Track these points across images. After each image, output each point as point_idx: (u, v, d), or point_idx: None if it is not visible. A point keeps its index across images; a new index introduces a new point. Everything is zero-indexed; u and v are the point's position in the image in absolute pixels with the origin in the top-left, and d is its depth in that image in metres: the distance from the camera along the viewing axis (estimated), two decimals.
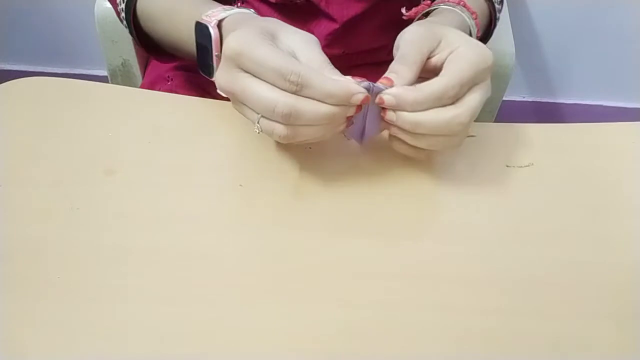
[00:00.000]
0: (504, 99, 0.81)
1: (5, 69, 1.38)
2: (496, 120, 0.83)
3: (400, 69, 0.42)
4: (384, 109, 0.43)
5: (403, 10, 0.54)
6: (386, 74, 0.42)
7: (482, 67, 0.42)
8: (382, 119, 0.43)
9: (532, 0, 1.23)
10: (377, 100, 0.42)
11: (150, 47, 0.61)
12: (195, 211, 0.44)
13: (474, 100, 0.42)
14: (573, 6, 1.23)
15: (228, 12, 0.49)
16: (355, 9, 0.63)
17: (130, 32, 0.59)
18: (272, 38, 0.42)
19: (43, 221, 0.43)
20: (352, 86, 0.40)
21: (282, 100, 0.39)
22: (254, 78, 0.40)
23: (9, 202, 0.44)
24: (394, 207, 0.46)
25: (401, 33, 0.46)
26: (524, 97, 1.42)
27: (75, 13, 1.28)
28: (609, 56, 1.31)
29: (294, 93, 0.39)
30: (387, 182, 0.47)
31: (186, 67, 0.71)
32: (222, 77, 0.43)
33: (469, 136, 0.51)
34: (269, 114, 0.40)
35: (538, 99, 1.42)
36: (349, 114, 0.41)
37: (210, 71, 0.49)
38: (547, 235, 0.45)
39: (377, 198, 0.46)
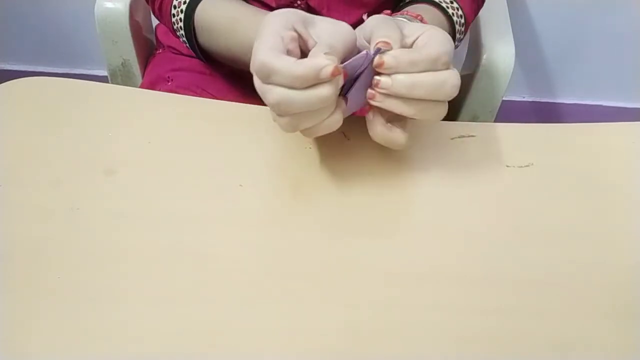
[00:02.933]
0: (504, 99, 0.80)
1: (5, 69, 1.38)
2: (496, 120, 0.83)
3: (391, 34, 0.42)
4: (377, 76, 0.42)
5: (364, 17, 0.55)
6: (376, 40, 0.42)
7: (451, 50, 0.43)
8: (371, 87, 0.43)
9: (532, 0, 1.23)
10: (375, 62, 0.41)
11: (207, 57, 0.62)
12: (195, 211, 0.44)
13: (456, 70, 0.43)
14: (573, 6, 1.23)
15: None
16: (356, 15, 0.63)
17: (191, 47, 0.61)
18: (304, 25, 0.43)
19: (43, 221, 0.43)
20: (317, 62, 0.39)
21: (270, 91, 0.41)
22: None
23: (9, 202, 0.44)
24: (394, 207, 0.46)
25: (364, 24, 0.46)
26: (524, 97, 1.42)
27: (75, 13, 1.28)
28: (609, 56, 1.31)
29: (265, 81, 0.40)
30: (387, 182, 0.47)
31: (186, 67, 0.71)
32: None
33: (469, 136, 0.52)
34: (269, 106, 0.42)
35: (538, 99, 1.42)
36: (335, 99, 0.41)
37: None
38: (547, 235, 0.45)
39: (377, 198, 0.46)
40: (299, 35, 0.43)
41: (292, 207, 0.45)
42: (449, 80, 0.42)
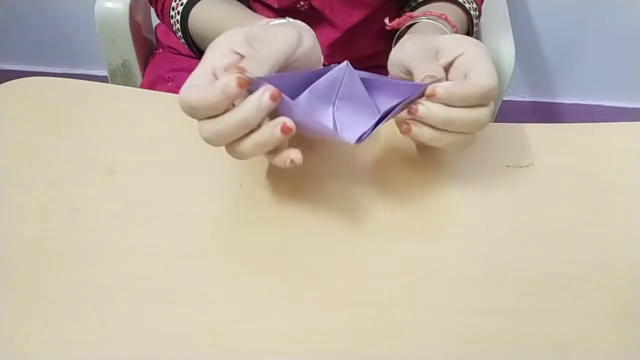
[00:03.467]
0: (504, 99, 0.80)
1: (5, 69, 1.38)
2: (496, 120, 0.83)
3: (433, 69, 0.42)
4: (412, 106, 0.41)
5: (386, 21, 0.55)
6: (422, 75, 0.42)
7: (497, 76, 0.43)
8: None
9: (532, 0, 1.23)
10: (428, 92, 0.41)
11: None
12: (195, 211, 0.44)
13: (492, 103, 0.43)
14: (573, 6, 1.23)
15: None
16: (358, 15, 0.63)
17: (190, 48, 0.61)
18: (248, 43, 0.41)
19: (43, 221, 0.43)
20: (220, 83, 0.37)
21: (200, 128, 0.39)
22: None
23: (9, 202, 0.44)
24: (394, 207, 0.46)
25: (397, 49, 0.46)
26: (524, 97, 1.42)
27: (75, 13, 1.28)
28: (609, 56, 1.31)
29: (197, 119, 0.39)
30: (387, 182, 0.47)
31: (186, 68, 0.71)
32: None
33: None
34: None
35: (538, 99, 1.42)
36: (261, 112, 0.37)
37: None
38: (547, 235, 0.45)
39: (377, 198, 0.46)
40: (243, 57, 0.40)
41: (292, 207, 0.45)
42: (482, 117, 0.42)
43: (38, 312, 0.38)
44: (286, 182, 0.47)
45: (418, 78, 0.42)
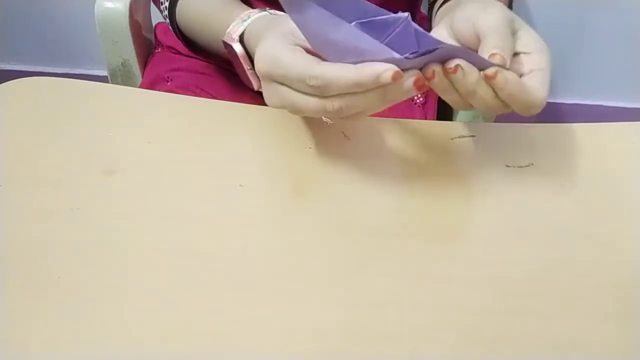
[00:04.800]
0: None
1: (5, 69, 1.38)
2: (496, 120, 0.83)
3: (505, 46, 0.40)
4: (451, 64, 0.39)
5: None
6: (492, 49, 0.40)
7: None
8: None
9: (532, 0, 1.23)
10: (489, 73, 0.39)
11: (200, 50, 0.62)
12: (195, 211, 0.44)
13: None
14: (573, 6, 1.23)
15: (245, 24, 0.49)
16: None
17: (183, 42, 0.62)
18: (294, 36, 0.42)
19: (43, 221, 0.43)
20: (375, 68, 0.37)
21: (310, 104, 0.40)
22: (289, 88, 0.41)
23: (9, 202, 0.44)
24: (394, 207, 0.46)
25: (479, 8, 0.44)
26: None
27: (75, 13, 1.28)
28: (609, 56, 1.31)
29: (321, 96, 0.40)
30: (387, 182, 0.47)
31: (185, 67, 0.71)
32: (266, 95, 0.44)
33: (469, 136, 0.52)
34: (314, 115, 0.41)
35: None
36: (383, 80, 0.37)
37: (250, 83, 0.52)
38: (547, 235, 0.45)
39: (377, 198, 0.46)
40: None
41: (292, 207, 0.45)
42: (495, 111, 0.42)
43: (38, 312, 0.38)
44: (286, 182, 0.47)
45: (486, 48, 0.41)
